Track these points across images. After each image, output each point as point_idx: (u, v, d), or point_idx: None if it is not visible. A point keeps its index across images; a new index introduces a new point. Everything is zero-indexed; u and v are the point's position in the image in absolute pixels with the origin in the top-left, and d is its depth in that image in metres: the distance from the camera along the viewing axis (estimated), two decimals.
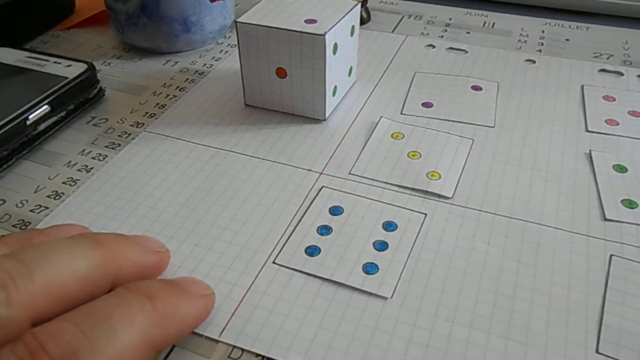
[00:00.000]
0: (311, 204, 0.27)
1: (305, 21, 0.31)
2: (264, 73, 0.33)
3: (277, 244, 0.25)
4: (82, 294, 0.18)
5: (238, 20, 0.31)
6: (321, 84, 0.32)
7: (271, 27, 0.31)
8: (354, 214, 0.27)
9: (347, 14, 0.32)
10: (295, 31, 0.30)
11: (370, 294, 0.23)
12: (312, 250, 0.25)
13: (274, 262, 0.24)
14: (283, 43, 0.31)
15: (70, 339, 0.16)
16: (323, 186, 0.28)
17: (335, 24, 0.31)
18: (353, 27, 0.34)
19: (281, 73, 0.32)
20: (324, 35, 0.30)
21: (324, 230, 0.26)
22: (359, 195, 0.28)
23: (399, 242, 0.25)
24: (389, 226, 0.26)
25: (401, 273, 0.24)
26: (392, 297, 0.23)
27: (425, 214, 0.27)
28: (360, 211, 0.27)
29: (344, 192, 0.28)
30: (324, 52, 0.30)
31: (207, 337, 0.21)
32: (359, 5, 0.34)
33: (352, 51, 0.35)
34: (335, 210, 0.27)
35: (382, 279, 0.24)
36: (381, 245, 0.25)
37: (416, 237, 0.26)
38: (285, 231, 0.26)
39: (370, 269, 0.24)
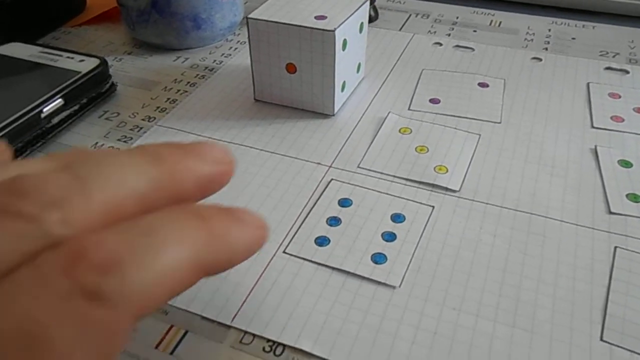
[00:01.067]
0: (320, 196, 0.28)
1: (315, 17, 0.32)
2: (274, 68, 0.33)
3: (287, 235, 0.26)
4: (143, 213, 0.16)
5: (249, 16, 0.32)
6: (330, 80, 0.32)
7: (281, 23, 0.31)
8: (363, 206, 0.27)
9: (356, 10, 0.33)
10: (306, 27, 0.31)
11: (379, 283, 0.23)
12: (321, 241, 0.25)
13: (284, 252, 0.25)
14: (293, 39, 0.31)
15: (116, 248, 0.14)
16: (332, 179, 0.29)
17: (344, 21, 0.31)
18: (362, 23, 0.34)
19: (291, 68, 0.33)
20: (333, 31, 0.30)
21: (334, 221, 0.26)
22: (367, 188, 0.28)
23: (407, 234, 0.26)
24: (397, 218, 0.26)
25: (409, 263, 0.24)
26: (400, 286, 0.23)
27: (433, 207, 0.27)
28: (368, 203, 0.27)
29: (353, 184, 0.29)
30: (333, 48, 0.31)
31: (219, 323, 0.22)
32: (368, 2, 0.34)
33: (361, 48, 0.35)
34: (344, 202, 0.27)
35: (390, 268, 0.24)
36: (389, 236, 0.25)
37: (424, 229, 0.26)
38: (295, 222, 0.26)
39: (378, 258, 0.24)
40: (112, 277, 0.13)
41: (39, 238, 0.14)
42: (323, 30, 0.30)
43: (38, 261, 0.13)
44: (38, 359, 0.12)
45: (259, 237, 0.18)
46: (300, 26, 0.31)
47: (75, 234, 0.14)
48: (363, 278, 0.24)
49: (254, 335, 0.22)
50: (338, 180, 0.29)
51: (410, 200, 0.28)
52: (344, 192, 0.28)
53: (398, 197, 0.28)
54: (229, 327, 0.22)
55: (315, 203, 0.27)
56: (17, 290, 0.13)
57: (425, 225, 0.26)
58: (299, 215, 0.27)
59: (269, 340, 0.21)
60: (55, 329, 0.13)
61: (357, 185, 0.28)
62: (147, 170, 0.17)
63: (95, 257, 0.13)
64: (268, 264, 0.24)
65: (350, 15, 0.32)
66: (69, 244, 0.14)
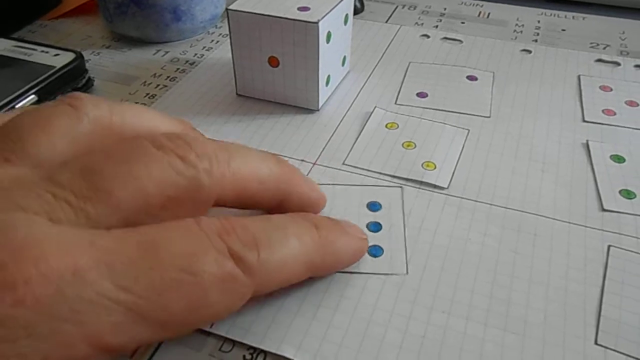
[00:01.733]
0: None
1: (298, 9, 0.30)
2: (255, 62, 0.32)
3: None
4: (255, 198, 0.20)
5: (229, 7, 0.31)
6: (314, 73, 0.31)
7: (263, 14, 0.30)
8: (336, 204, 0.26)
9: (340, 1, 0.31)
10: (288, 19, 0.30)
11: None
12: None
13: None
14: (275, 31, 0.30)
15: (255, 233, 0.18)
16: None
17: (328, 12, 0.30)
18: (347, 15, 0.33)
19: (273, 62, 0.32)
20: (317, 23, 0.29)
21: None
22: (347, 184, 0.27)
23: (390, 230, 0.25)
24: (374, 206, 0.26)
25: (405, 256, 0.23)
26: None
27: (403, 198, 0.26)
28: (344, 201, 0.26)
29: (332, 184, 0.28)
30: (317, 41, 0.30)
31: (197, 330, 0.21)
32: None
33: (346, 40, 0.34)
34: None
35: (389, 259, 0.23)
36: (375, 226, 0.25)
37: (404, 229, 0.25)
38: None
39: (375, 251, 0.23)
40: (252, 251, 0.17)
41: (188, 178, 0.18)
42: (306, 22, 0.29)
43: (200, 221, 0.17)
44: (189, 292, 0.16)
45: (360, 247, 0.22)
46: (282, 18, 0.30)
47: (211, 185, 0.18)
48: (348, 281, 0.23)
49: (234, 342, 0.21)
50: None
51: (388, 196, 0.27)
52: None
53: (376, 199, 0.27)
54: (208, 333, 0.21)
55: None
56: (183, 232, 0.17)
57: (404, 223, 0.25)
58: None
59: (249, 348, 0.20)
60: (208, 267, 0.16)
61: (323, 184, 0.27)
62: (273, 168, 0.21)
63: (241, 235, 0.17)
64: None
65: (335, 7, 0.31)
66: (223, 220, 0.18)
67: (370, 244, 0.24)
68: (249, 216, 0.19)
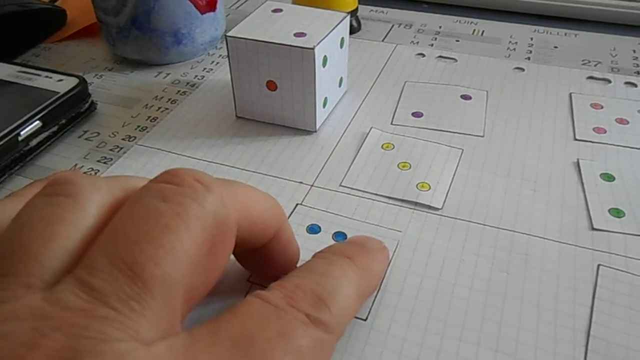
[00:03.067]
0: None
1: (295, 34, 0.31)
2: (254, 86, 0.33)
3: None
4: (257, 222, 0.20)
5: (228, 34, 0.32)
6: (311, 96, 0.32)
7: (260, 40, 0.31)
8: (331, 231, 0.27)
9: (336, 26, 0.32)
10: (285, 45, 0.30)
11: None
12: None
13: (249, 280, 0.25)
14: (273, 56, 0.31)
15: (314, 290, 0.18)
16: (297, 204, 0.29)
17: (324, 37, 0.31)
18: (342, 39, 0.34)
19: (271, 86, 0.32)
20: (313, 49, 0.30)
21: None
22: (335, 214, 0.28)
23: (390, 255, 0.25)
24: None
25: (378, 289, 0.24)
26: (382, 310, 0.23)
27: (401, 231, 0.27)
28: (337, 229, 0.27)
29: (320, 210, 0.28)
30: (313, 65, 0.31)
31: None
32: (348, 17, 0.34)
33: (342, 62, 0.35)
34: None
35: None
36: None
37: (394, 252, 0.26)
38: None
39: None
40: (323, 310, 0.18)
41: (210, 214, 0.17)
42: (302, 48, 0.30)
43: (266, 297, 0.17)
44: None
45: (386, 258, 0.24)
46: (279, 44, 0.31)
47: (229, 212, 0.18)
48: None
49: None
50: (305, 206, 0.28)
51: (382, 226, 0.27)
52: (312, 218, 0.28)
53: (367, 222, 0.27)
54: None
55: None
56: (262, 315, 0.17)
57: (396, 249, 0.26)
58: None
59: None
60: (303, 341, 0.17)
61: (325, 211, 0.28)
62: (270, 199, 0.21)
63: (304, 296, 0.18)
64: (248, 291, 0.24)
65: (330, 32, 0.32)
66: (280, 288, 0.18)
67: None
68: (288, 276, 0.19)
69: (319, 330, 0.17)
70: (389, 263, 0.25)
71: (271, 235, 0.21)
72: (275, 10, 0.34)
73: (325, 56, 0.32)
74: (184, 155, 0.32)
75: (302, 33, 0.31)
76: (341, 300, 0.19)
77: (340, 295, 0.19)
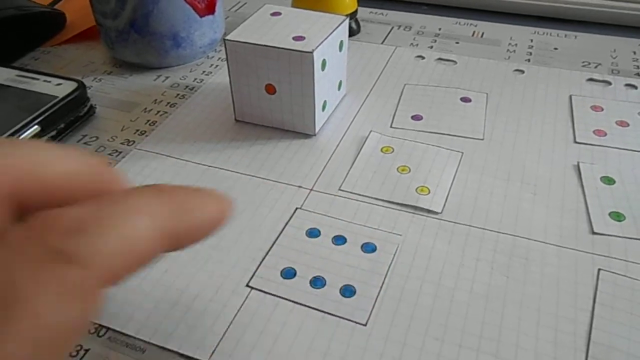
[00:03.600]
0: (285, 226, 0.27)
1: (294, 38, 0.31)
2: (253, 89, 0.33)
3: (257, 266, 0.26)
4: (52, 188, 0.16)
5: (226, 38, 0.32)
6: (310, 100, 0.32)
7: (259, 44, 0.31)
8: (330, 235, 0.27)
9: (335, 29, 0.32)
10: (283, 49, 0.30)
11: (363, 312, 0.23)
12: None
13: (247, 285, 0.25)
14: (271, 60, 0.31)
15: (82, 216, 0.15)
16: (297, 208, 0.28)
17: (323, 41, 0.31)
18: (342, 42, 0.34)
19: (270, 89, 0.32)
20: (311, 52, 0.30)
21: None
22: (334, 217, 0.28)
23: (393, 260, 0.25)
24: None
25: (377, 294, 0.24)
26: (382, 314, 0.23)
27: (400, 235, 0.27)
28: (336, 233, 0.27)
29: (320, 214, 0.28)
30: (312, 69, 0.30)
31: None
32: (347, 20, 0.34)
33: (341, 65, 0.35)
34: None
35: (357, 303, 0.24)
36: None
37: (393, 258, 0.26)
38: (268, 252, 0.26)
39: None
40: (79, 239, 0.14)
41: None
42: (301, 51, 0.30)
43: (8, 235, 0.14)
44: (16, 318, 0.13)
45: (222, 210, 0.18)
46: (278, 48, 0.31)
47: None
48: (319, 322, 0.23)
49: None
50: (305, 210, 0.28)
51: (381, 230, 0.27)
52: (312, 222, 0.28)
53: (366, 226, 0.27)
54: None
55: (279, 235, 0.27)
56: None
57: (396, 253, 0.26)
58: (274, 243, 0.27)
59: None
60: (30, 288, 0.13)
61: (325, 215, 0.28)
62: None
63: (62, 224, 0.14)
64: (247, 297, 0.24)
65: (329, 35, 0.32)
66: (36, 217, 0.14)
67: (345, 282, 0.24)
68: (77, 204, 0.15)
69: (66, 268, 0.13)
70: (389, 267, 0.25)
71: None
72: (274, 14, 0.34)
73: (324, 60, 0.31)
74: (182, 159, 0.32)
75: (301, 37, 0.31)
76: (125, 230, 0.15)
77: (119, 226, 0.15)
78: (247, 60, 0.32)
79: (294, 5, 0.43)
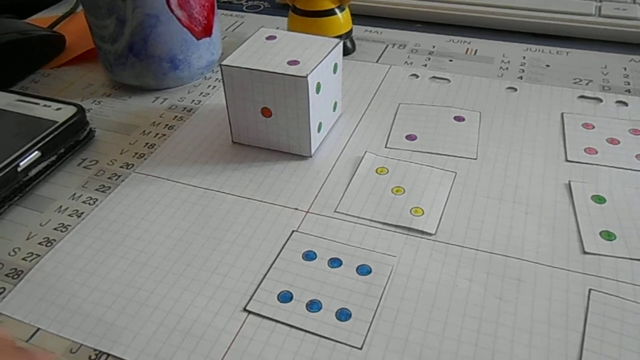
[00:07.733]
0: (282, 249, 0.28)
1: (288, 62, 0.32)
2: (249, 113, 0.33)
3: (255, 290, 0.26)
4: None
5: (222, 63, 0.32)
6: (305, 123, 0.32)
7: (254, 69, 0.31)
8: (326, 258, 0.27)
9: (329, 53, 0.33)
10: (278, 73, 0.31)
11: (358, 335, 0.24)
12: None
13: (244, 309, 0.25)
14: (267, 84, 0.32)
15: None
16: (293, 231, 0.29)
17: (317, 65, 0.32)
18: (336, 64, 0.34)
19: (266, 113, 0.33)
20: (306, 77, 0.30)
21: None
22: (330, 240, 0.28)
23: (387, 282, 0.26)
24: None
25: (372, 317, 0.24)
26: (376, 339, 0.23)
27: (395, 256, 0.27)
28: (332, 255, 0.27)
29: (316, 236, 0.29)
30: (307, 93, 0.31)
31: None
32: (341, 43, 0.34)
33: (336, 87, 0.36)
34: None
35: (352, 326, 0.24)
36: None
37: (388, 280, 0.26)
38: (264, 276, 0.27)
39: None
40: None
41: None
42: (295, 76, 0.31)
43: None
44: None
45: None
46: (273, 72, 0.31)
47: None
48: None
49: None
50: (302, 233, 0.29)
51: (376, 252, 0.28)
52: (308, 245, 0.28)
53: (361, 248, 0.28)
54: None
55: (276, 258, 0.28)
56: None
57: (390, 275, 0.26)
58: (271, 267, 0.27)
59: None
60: None
61: (321, 237, 0.28)
62: None
63: None
64: (244, 322, 0.24)
65: (324, 59, 0.32)
66: None
67: (341, 306, 0.25)
68: None
69: None
70: (383, 290, 0.25)
71: None
72: (269, 37, 0.35)
73: (318, 83, 0.32)
74: (180, 183, 0.32)
75: (296, 61, 0.32)
76: None
77: None
78: (243, 84, 0.32)
79: (289, 28, 0.44)
